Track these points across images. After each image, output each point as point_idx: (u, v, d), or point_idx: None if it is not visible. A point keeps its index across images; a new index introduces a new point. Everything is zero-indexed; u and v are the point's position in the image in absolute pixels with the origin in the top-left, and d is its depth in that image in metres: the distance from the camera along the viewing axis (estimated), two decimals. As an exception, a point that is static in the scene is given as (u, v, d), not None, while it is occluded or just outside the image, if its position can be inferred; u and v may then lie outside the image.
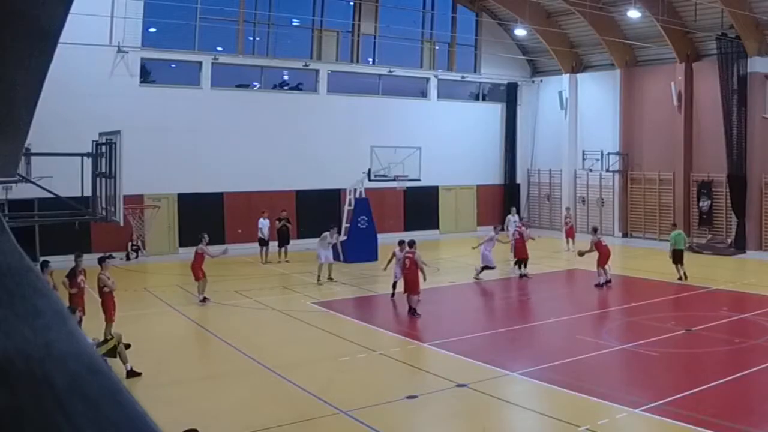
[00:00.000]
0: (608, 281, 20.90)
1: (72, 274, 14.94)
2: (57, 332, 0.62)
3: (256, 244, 26.68)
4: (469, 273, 22.60)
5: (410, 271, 17.63)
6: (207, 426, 9.25)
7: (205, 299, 18.90)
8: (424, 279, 17.79)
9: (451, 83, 35.22)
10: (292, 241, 27.15)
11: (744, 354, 13.93)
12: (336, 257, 22.79)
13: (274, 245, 26.54)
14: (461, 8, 34.81)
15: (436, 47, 34.58)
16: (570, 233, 29.09)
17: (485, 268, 22.03)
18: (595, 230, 22.91)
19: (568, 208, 32.84)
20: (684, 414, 10.30)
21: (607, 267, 21.02)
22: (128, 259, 26.60)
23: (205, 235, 19.65)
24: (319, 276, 21.87)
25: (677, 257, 21.89)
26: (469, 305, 19.92)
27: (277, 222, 26.82)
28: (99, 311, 14.67)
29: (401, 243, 19.10)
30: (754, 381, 12.14)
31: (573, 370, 12.73)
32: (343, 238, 26.10)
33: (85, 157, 12.47)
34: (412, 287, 17.44)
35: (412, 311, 17.33)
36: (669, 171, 30.89)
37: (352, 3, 32.31)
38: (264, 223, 26.68)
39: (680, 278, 21.55)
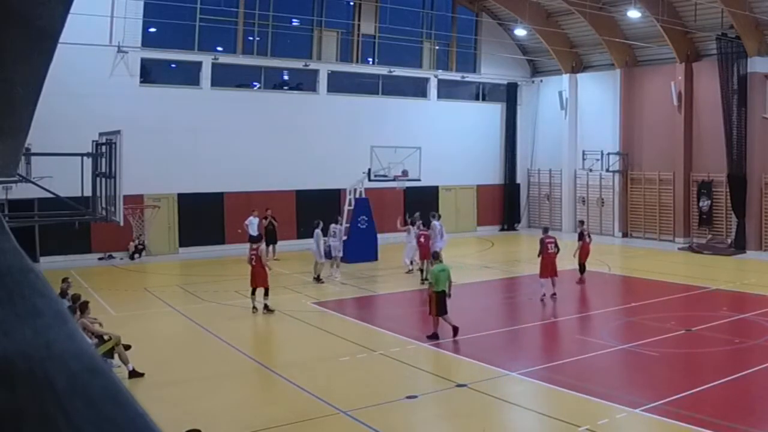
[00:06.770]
0: None
1: None
2: (57, 332, 0.62)
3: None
4: (469, 273, 22.58)
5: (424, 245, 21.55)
6: (207, 426, 9.24)
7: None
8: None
9: (451, 83, 35.21)
10: (292, 241, 27.10)
11: (744, 354, 13.93)
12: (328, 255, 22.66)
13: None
14: (461, 8, 34.81)
15: (436, 47, 34.59)
16: None
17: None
18: None
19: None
20: (684, 414, 10.30)
21: None
22: (132, 258, 26.61)
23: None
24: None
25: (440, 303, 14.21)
26: (469, 305, 19.89)
27: (263, 220, 26.85)
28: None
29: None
30: (754, 381, 12.14)
31: (573, 370, 12.73)
32: (343, 237, 26.06)
33: (85, 157, 12.47)
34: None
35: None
36: (669, 171, 30.88)
37: (352, 3, 32.30)
38: (252, 222, 26.67)
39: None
